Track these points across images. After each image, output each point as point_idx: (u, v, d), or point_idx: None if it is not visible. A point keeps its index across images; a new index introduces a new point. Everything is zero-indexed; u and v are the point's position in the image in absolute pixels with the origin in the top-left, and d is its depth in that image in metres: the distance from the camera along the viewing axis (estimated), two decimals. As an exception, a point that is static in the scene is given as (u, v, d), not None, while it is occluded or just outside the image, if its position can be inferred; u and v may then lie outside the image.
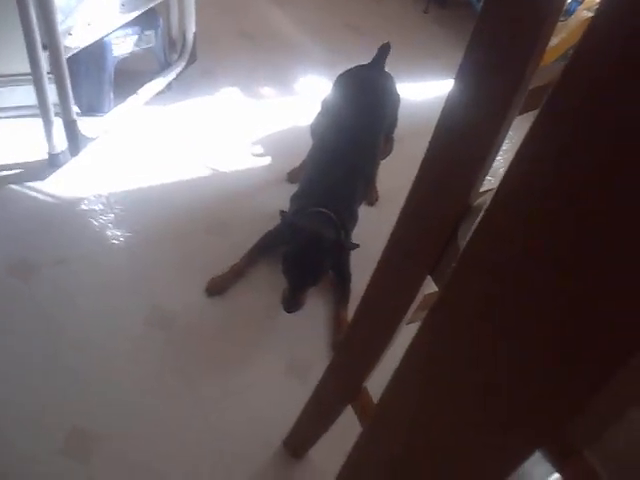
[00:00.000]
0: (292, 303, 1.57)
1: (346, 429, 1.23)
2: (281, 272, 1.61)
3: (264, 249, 1.81)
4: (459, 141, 0.67)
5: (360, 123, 1.76)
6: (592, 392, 0.46)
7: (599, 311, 0.45)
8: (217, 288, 1.72)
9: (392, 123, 1.94)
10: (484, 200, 0.71)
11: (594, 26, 0.42)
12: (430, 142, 0.70)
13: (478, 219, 0.53)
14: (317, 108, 1.96)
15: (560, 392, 0.48)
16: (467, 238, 0.57)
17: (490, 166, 0.66)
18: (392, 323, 0.90)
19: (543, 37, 0.56)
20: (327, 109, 1.87)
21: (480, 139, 0.63)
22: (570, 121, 0.45)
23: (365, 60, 1.98)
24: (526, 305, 0.51)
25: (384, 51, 1.95)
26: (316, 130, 1.90)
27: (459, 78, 0.63)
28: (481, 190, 0.71)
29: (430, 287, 0.83)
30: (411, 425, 0.73)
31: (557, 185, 0.46)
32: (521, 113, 0.64)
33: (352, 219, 1.73)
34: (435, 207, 0.73)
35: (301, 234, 1.57)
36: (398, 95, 1.94)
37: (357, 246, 1.60)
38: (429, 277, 0.79)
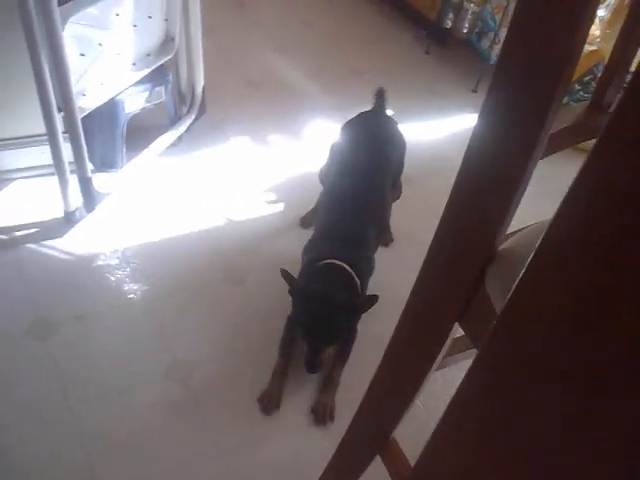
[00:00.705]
0: (313, 365, 1.52)
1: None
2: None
3: (292, 338, 1.70)
4: (484, 183, 0.66)
5: (369, 168, 1.76)
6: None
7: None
8: (272, 402, 1.59)
9: (399, 167, 1.95)
10: (512, 244, 0.70)
11: None
12: (454, 185, 0.69)
13: (521, 273, 0.51)
14: (325, 153, 1.98)
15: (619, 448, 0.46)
16: (499, 285, 0.56)
17: (516, 207, 0.65)
18: (420, 371, 0.88)
19: (566, 75, 0.56)
20: (335, 156, 1.88)
21: (506, 180, 0.63)
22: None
23: (371, 103, 2.00)
24: (577, 357, 0.49)
25: (381, 95, 1.97)
26: (325, 177, 1.91)
27: (483, 116, 0.63)
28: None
29: (458, 331, 0.82)
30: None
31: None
32: (545, 155, 0.64)
33: (368, 267, 1.69)
34: (461, 253, 0.72)
35: (313, 297, 1.52)
36: (403, 139, 1.95)
37: (373, 303, 1.54)
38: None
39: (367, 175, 1.75)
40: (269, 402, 1.58)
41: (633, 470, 0.47)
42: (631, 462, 0.48)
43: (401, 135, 1.94)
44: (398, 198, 2.01)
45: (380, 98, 1.96)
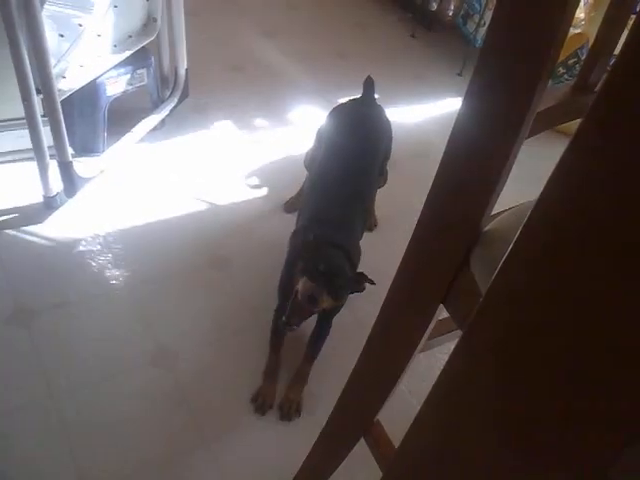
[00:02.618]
0: (295, 316, 1.45)
1: (358, 463, 1.21)
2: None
3: (281, 330, 1.64)
4: (469, 164, 0.66)
5: (357, 155, 1.75)
6: None
7: None
8: (266, 401, 1.56)
9: (386, 155, 1.94)
10: (496, 225, 0.70)
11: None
12: (439, 167, 0.68)
13: (506, 254, 0.51)
14: (310, 137, 1.96)
15: (606, 432, 0.47)
16: (483, 267, 0.55)
17: (501, 189, 0.65)
18: (405, 353, 0.88)
19: (551, 56, 0.55)
20: (322, 142, 1.86)
21: (492, 161, 0.62)
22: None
23: (356, 87, 1.99)
24: (560, 336, 0.49)
25: (369, 84, 1.94)
26: (311, 162, 1.89)
27: (468, 98, 0.63)
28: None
29: (443, 313, 0.82)
30: (441, 469, 0.70)
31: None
32: (529, 136, 0.63)
33: (358, 253, 1.67)
34: (445, 234, 0.72)
35: (325, 246, 1.50)
36: (390, 127, 1.93)
37: (367, 282, 1.49)
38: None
39: (355, 161, 1.73)
40: (264, 402, 1.56)
41: (619, 451, 0.48)
42: (617, 441, 0.48)
43: (389, 123, 1.93)
44: (384, 185, 2.01)
45: (369, 86, 1.94)
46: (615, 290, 0.44)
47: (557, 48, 0.58)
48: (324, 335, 1.64)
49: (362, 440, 1.11)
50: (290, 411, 1.55)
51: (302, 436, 1.34)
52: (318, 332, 1.63)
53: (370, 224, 2.09)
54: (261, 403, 1.55)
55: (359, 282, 1.51)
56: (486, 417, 0.60)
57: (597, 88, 0.91)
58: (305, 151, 1.99)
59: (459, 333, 0.65)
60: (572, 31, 2.38)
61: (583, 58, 2.59)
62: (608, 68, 0.87)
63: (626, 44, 0.41)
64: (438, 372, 0.66)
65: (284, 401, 1.56)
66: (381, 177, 1.95)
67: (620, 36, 0.95)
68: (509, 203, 0.80)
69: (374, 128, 1.85)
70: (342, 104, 1.93)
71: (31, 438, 1.39)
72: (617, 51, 0.46)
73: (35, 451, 1.37)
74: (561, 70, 2.69)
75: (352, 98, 1.94)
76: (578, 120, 0.46)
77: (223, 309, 1.76)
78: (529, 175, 1.38)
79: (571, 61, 2.66)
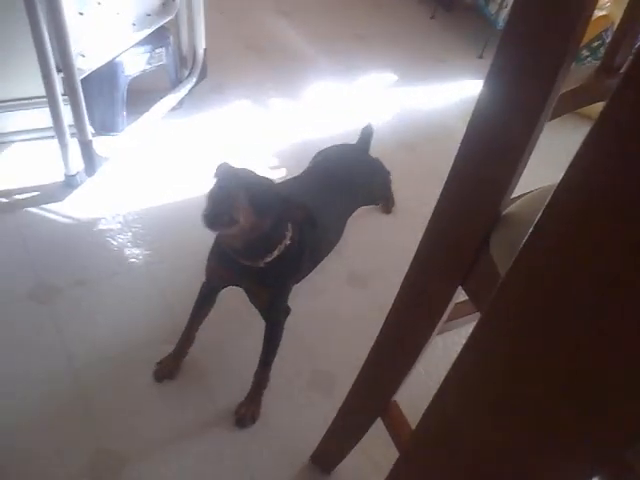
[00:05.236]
0: (216, 216, 1.20)
1: (375, 442, 1.22)
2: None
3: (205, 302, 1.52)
4: (490, 147, 0.65)
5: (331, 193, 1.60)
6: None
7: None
8: (165, 368, 1.53)
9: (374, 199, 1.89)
10: (516, 208, 0.69)
11: None
12: (459, 150, 0.68)
13: (526, 237, 0.51)
14: (326, 118, 1.93)
15: (624, 414, 0.47)
16: (503, 249, 0.55)
17: (521, 172, 0.65)
18: (423, 335, 0.89)
19: (576, 37, 0.54)
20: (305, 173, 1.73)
21: (512, 144, 0.62)
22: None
23: (374, 68, 1.97)
24: (579, 319, 0.49)
25: (367, 132, 1.83)
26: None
27: (490, 81, 0.62)
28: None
29: (461, 296, 0.82)
30: (457, 450, 0.70)
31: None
32: (551, 119, 0.63)
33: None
34: (465, 217, 0.72)
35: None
36: (385, 176, 1.88)
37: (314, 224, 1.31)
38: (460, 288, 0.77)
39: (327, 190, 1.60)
40: (161, 369, 1.52)
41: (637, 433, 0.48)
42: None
43: (382, 170, 1.87)
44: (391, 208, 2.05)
45: (366, 134, 1.83)
46: (637, 274, 0.44)
47: (581, 30, 0.57)
48: (272, 338, 1.47)
49: (379, 420, 1.13)
50: (245, 419, 1.48)
51: (319, 416, 1.36)
52: (266, 335, 1.47)
53: (387, 208, 2.09)
54: (159, 369, 1.52)
55: (289, 209, 1.28)
56: (503, 399, 0.60)
57: (622, 70, 0.89)
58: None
59: (476, 316, 0.66)
60: (597, 13, 2.33)
61: (607, 41, 2.53)
62: (634, 50, 0.86)
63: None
64: (455, 355, 0.67)
65: (240, 407, 1.50)
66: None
67: (647, 17, 0.93)
68: (530, 186, 0.79)
69: (353, 176, 1.71)
70: (330, 147, 1.82)
71: (50, 410, 1.42)
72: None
73: (56, 424, 1.40)
74: (585, 53, 2.64)
75: (344, 144, 1.84)
76: (601, 103, 0.45)
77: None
78: (551, 158, 1.37)
79: (595, 44, 2.61)
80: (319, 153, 1.80)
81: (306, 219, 1.31)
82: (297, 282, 1.51)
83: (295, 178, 1.66)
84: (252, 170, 1.30)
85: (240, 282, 1.43)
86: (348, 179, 1.67)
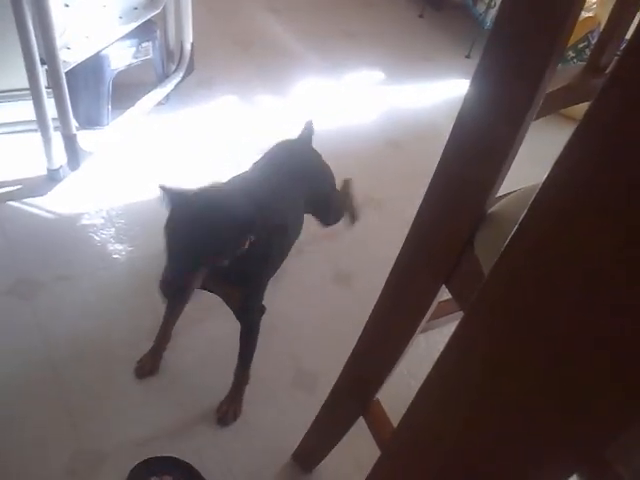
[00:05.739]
0: (173, 285, 1.19)
1: (357, 440, 1.22)
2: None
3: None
4: (476, 146, 0.65)
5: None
6: None
7: None
8: (146, 366, 1.52)
9: (322, 197, 1.71)
10: (501, 207, 0.69)
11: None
12: (444, 149, 0.68)
13: (510, 236, 0.51)
14: (313, 114, 1.93)
15: (607, 413, 0.47)
16: (488, 248, 0.55)
17: (507, 172, 0.65)
18: (406, 333, 0.89)
19: (563, 38, 0.54)
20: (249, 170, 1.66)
21: (498, 143, 0.62)
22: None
23: (362, 66, 1.97)
24: (561, 318, 0.49)
25: (309, 127, 1.79)
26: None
27: (476, 80, 0.62)
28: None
29: (444, 294, 0.82)
30: (439, 449, 0.70)
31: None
32: (537, 118, 0.63)
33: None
34: (450, 215, 0.72)
35: (198, 199, 1.28)
36: (327, 171, 1.75)
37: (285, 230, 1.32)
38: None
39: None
40: (142, 367, 1.52)
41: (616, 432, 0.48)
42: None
43: (323, 167, 1.75)
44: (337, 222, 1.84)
45: (308, 129, 1.79)
46: (619, 275, 0.44)
47: (568, 31, 0.57)
48: (248, 338, 1.43)
49: (361, 419, 1.13)
50: (226, 418, 1.47)
51: (301, 414, 1.35)
52: (242, 335, 1.43)
53: (352, 215, 1.95)
54: (139, 367, 1.52)
55: (253, 231, 1.20)
56: (485, 398, 0.60)
57: (609, 70, 0.90)
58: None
59: (459, 315, 0.65)
60: (583, 14, 2.35)
61: (593, 42, 2.56)
62: (619, 51, 0.87)
63: (639, 26, 0.40)
64: (437, 354, 0.67)
65: (221, 406, 1.49)
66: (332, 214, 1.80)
67: (633, 19, 0.94)
68: (515, 186, 0.79)
69: (300, 169, 1.65)
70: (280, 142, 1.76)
71: (31, 406, 1.40)
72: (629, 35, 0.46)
73: (37, 420, 1.38)
74: (571, 54, 2.66)
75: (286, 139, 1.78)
76: (585, 105, 0.45)
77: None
78: (535, 158, 1.38)
79: (581, 45, 2.63)
80: (268, 152, 1.73)
81: (275, 231, 1.29)
82: (269, 277, 1.45)
83: (249, 172, 1.61)
84: (205, 189, 1.28)
85: (210, 284, 1.34)
86: (299, 167, 1.64)
